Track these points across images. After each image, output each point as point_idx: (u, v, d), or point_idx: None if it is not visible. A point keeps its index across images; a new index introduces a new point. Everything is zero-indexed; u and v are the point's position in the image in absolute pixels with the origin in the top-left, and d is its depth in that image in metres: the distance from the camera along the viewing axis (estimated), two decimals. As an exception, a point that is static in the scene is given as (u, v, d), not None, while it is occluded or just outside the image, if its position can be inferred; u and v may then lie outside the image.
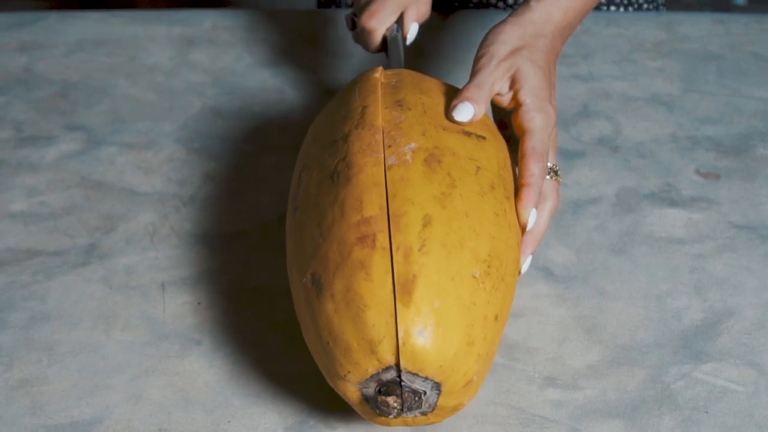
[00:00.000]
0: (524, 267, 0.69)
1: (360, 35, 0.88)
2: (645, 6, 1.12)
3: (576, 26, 0.79)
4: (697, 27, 1.07)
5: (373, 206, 0.61)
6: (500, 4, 1.09)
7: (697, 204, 0.84)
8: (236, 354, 0.72)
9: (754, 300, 0.75)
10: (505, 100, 0.72)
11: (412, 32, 0.88)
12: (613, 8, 1.10)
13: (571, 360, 0.70)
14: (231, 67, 1.03)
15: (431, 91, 0.71)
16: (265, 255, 0.79)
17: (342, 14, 1.11)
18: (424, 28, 0.89)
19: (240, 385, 0.69)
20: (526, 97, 0.71)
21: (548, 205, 0.71)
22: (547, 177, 0.72)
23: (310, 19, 1.11)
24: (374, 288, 0.59)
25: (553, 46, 0.75)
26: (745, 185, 0.86)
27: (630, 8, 1.11)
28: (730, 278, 0.77)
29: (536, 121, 0.70)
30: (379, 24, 0.86)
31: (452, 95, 0.72)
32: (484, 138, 0.68)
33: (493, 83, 0.71)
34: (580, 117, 0.94)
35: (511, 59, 0.72)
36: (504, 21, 0.75)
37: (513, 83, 0.72)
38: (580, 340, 0.72)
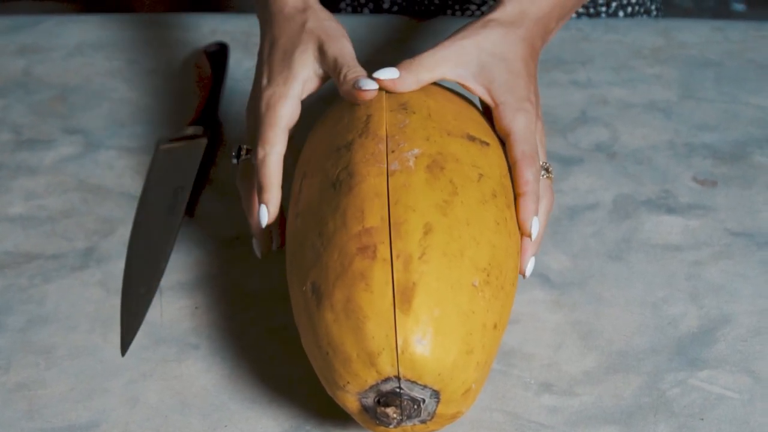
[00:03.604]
0: (528, 270, 0.69)
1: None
2: (638, 9, 1.12)
3: (559, 14, 0.77)
4: (696, 34, 1.07)
5: (374, 217, 0.61)
6: (477, 11, 1.09)
7: (694, 211, 0.84)
8: (233, 358, 0.72)
9: (750, 307, 0.75)
10: (478, 92, 0.71)
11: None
12: (603, 8, 1.10)
13: (567, 366, 0.71)
14: (230, 71, 1.03)
15: (436, 94, 0.70)
16: (263, 260, 0.79)
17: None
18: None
19: (237, 389, 0.70)
20: (501, 96, 0.70)
21: (544, 205, 0.71)
22: (541, 176, 0.72)
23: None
24: (374, 299, 0.59)
25: (528, 35, 0.73)
26: (742, 192, 0.86)
27: (624, 10, 1.11)
28: (727, 285, 0.77)
29: (518, 122, 0.69)
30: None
31: (458, 100, 0.71)
32: (487, 144, 0.68)
33: (437, 64, 0.70)
34: (577, 123, 0.94)
35: (468, 43, 0.71)
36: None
37: (482, 81, 0.70)
38: (576, 346, 0.72)
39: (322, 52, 0.72)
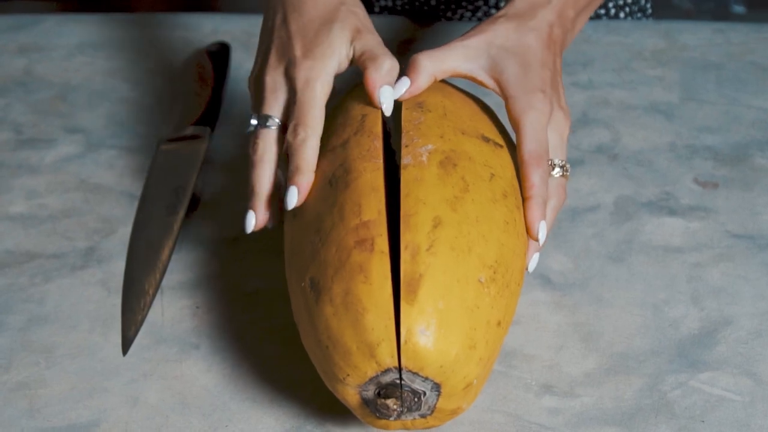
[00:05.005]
0: (532, 266, 0.69)
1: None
2: (633, 8, 1.12)
3: (575, 1, 0.76)
4: (697, 36, 1.07)
5: (372, 210, 0.62)
6: (473, 17, 1.09)
7: (695, 213, 0.84)
8: (234, 358, 0.72)
9: (751, 309, 0.75)
10: (490, 86, 0.71)
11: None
12: (602, 10, 1.10)
13: (568, 367, 0.71)
14: (231, 71, 1.03)
15: (453, 95, 0.71)
16: (263, 259, 0.79)
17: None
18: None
19: (237, 389, 0.70)
20: (511, 89, 0.70)
21: (552, 204, 0.71)
22: (554, 174, 0.71)
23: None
24: (373, 291, 0.59)
25: (541, 25, 0.73)
26: (743, 194, 0.86)
27: (623, 10, 1.11)
28: (728, 287, 0.77)
29: (527, 117, 0.68)
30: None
31: (474, 103, 0.72)
32: (501, 146, 0.69)
33: (447, 58, 0.70)
34: (579, 125, 0.94)
35: (478, 39, 0.71)
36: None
37: (493, 74, 0.71)
38: (577, 347, 0.72)
39: (358, 33, 0.70)
